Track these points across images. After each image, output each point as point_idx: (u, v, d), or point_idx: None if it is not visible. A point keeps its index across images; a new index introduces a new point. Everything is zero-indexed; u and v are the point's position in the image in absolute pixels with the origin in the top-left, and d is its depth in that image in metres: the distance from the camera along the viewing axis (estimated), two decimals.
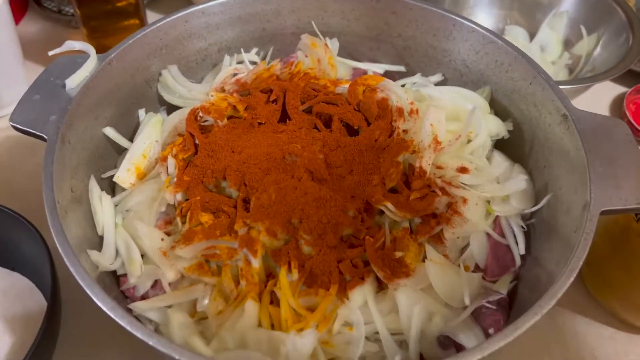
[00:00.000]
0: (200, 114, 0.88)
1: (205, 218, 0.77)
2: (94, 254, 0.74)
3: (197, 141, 0.85)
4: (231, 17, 1.02)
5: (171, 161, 0.83)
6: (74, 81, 0.83)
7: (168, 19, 0.95)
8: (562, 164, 0.81)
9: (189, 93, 0.98)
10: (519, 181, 0.83)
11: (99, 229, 0.81)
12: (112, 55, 0.88)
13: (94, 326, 0.88)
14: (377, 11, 1.04)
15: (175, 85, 0.98)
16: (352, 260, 0.74)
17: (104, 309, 0.60)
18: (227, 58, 1.04)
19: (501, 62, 0.94)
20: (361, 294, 0.72)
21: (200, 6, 0.98)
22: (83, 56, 0.87)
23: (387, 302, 0.73)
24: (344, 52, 1.08)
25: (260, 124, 0.88)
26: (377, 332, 0.72)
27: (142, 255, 0.79)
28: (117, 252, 0.80)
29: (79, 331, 0.89)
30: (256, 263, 0.73)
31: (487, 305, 0.77)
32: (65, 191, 0.75)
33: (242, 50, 1.04)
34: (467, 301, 0.75)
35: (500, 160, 0.90)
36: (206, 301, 0.72)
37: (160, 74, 0.98)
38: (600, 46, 1.27)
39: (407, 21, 1.03)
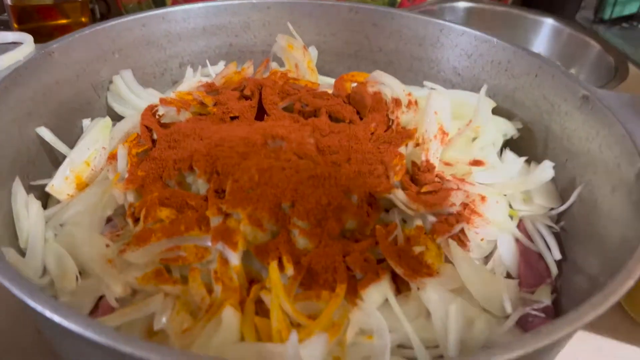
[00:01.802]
0: (160, 108, 0.73)
1: (166, 213, 0.59)
2: (10, 254, 0.54)
3: (155, 136, 0.69)
4: (195, 28, 0.91)
5: (122, 152, 0.66)
6: (2, 63, 0.67)
7: (123, 19, 0.83)
8: (590, 149, 0.70)
9: (145, 103, 0.83)
10: (545, 170, 0.70)
11: (22, 240, 0.61)
12: (54, 46, 0.74)
13: None
14: (355, 24, 0.95)
15: (129, 94, 0.83)
16: (362, 253, 0.57)
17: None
18: (189, 70, 0.91)
19: (498, 61, 0.85)
20: (379, 292, 0.54)
21: (160, 10, 0.87)
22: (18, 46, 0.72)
23: (412, 304, 0.55)
24: (320, 73, 0.98)
25: (233, 118, 0.73)
26: (399, 345, 0.53)
27: (81, 273, 0.59)
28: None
29: None
30: (236, 259, 0.54)
31: (534, 312, 0.60)
32: None
33: (207, 62, 0.92)
34: (508, 308, 0.59)
35: (514, 158, 0.77)
36: (164, 318, 0.52)
37: (110, 82, 0.84)
38: None
39: (389, 33, 0.94)
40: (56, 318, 0.38)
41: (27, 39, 0.73)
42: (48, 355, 0.62)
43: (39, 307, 0.39)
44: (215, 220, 0.56)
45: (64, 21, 1.09)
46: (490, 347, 0.54)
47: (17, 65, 0.68)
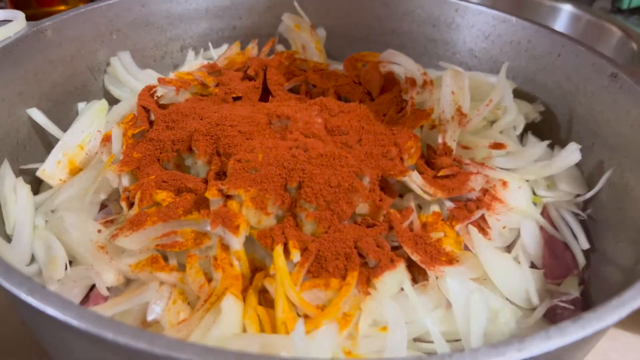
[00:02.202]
0: (159, 88, 0.69)
1: (163, 195, 0.55)
2: None
3: (152, 117, 0.65)
4: (197, 9, 0.87)
5: (116, 133, 0.62)
6: None
7: None
8: (620, 130, 0.65)
9: (143, 86, 0.78)
10: (571, 153, 0.65)
11: (9, 226, 0.57)
12: (47, 24, 0.70)
13: None
14: (365, 5, 0.91)
15: (127, 76, 0.78)
16: (375, 239, 0.52)
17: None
18: (191, 53, 0.87)
19: (518, 42, 0.80)
20: (394, 281, 0.49)
21: None
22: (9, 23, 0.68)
23: (431, 294, 0.50)
24: (329, 57, 0.93)
25: (236, 99, 0.68)
26: (416, 339, 0.48)
27: (72, 262, 0.55)
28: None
29: None
30: (237, 244, 0.50)
31: (563, 304, 0.55)
32: None
33: (210, 45, 0.87)
34: (534, 300, 0.54)
35: (535, 142, 0.72)
36: (159, 307, 0.48)
37: (108, 64, 0.79)
38: None
39: (402, 14, 0.90)
40: (31, 300, 0.33)
41: (19, 16, 0.69)
42: (34, 347, 0.58)
43: (14, 289, 0.34)
44: (215, 203, 0.52)
45: (62, 7, 1.05)
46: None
47: (7, 42, 0.64)
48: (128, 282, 0.53)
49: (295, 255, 0.49)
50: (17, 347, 0.58)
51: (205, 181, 0.56)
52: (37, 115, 0.67)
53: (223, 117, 0.58)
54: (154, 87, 0.70)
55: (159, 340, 0.32)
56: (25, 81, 0.67)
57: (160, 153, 0.60)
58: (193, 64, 0.84)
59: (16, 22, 0.67)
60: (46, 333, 0.42)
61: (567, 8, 1.23)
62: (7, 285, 0.35)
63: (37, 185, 0.66)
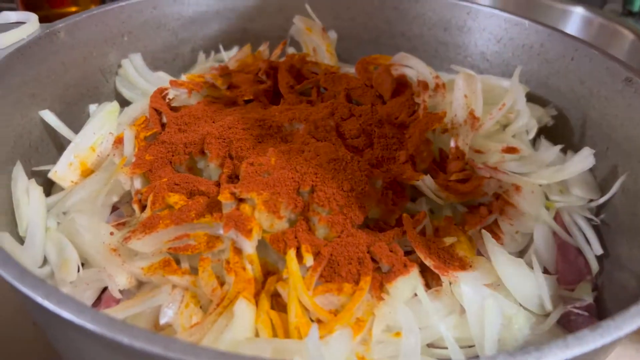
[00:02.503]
0: (170, 90, 0.69)
1: (175, 198, 0.55)
2: (5, 240, 0.50)
3: (164, 119, 0.65)
4: (207, 11, 0.87)
5: (128, 135, 0.62)
6: (4, 41, 0.64)
7: (133, 1, 0.79)
8: (634, 135, 0.64)
9: (155, 88, 0.78)
10: (585, 157, 0.65)
11: (22, 227, 0.57)
12: (60, 26, 0.70)
13: None
14: (375, 7, 0.91)
15: (138, 78, 0.79)
16: (388, 244, 0.52)
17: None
18: (201, 55, 0.87)
19: (530, 45, 0.80)
20: (407, 286, 0.49)
21: None
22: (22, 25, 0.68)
23: (444, 299, 0.50)
24: (339, 60, 0.93)
25: (247, 101, 0.68)
26: (429, 345, 0.48)
27: (84, 264, 0.55)
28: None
29: None
30: (250, 248, 0.50)
31: (576, 311, 0.55)
32: None
33: (221, 47, 0.87)
34: (548, 306, 0.54)
35: (548, 147, 0.72)
36: (172, 311, 0.48)
37: (119, 66, 0.80)
38: None
39: (412, 17, 0.89)
40: (47, 304, 0.33)
41: (32, 18, 0.69)
42: (46, 349, 0.58)
43: (29, 292, 0.34)
44: (227, 206, 0.52)
45: (73, 9, 1.06)
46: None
47: (21, 44, 0.64)
48: (140, 284, 0.53)
49: (308, 260, 0.49)
50: (29, 349, 0.58)
51: (218, 184, 0.56)
52: (50, 117, 0.67)
53: (235, 120, 0.58)
54: (166, 89, 0.70)
55: (173, 344, 0.32)
56: (38, 83, 0.67)
57: (173, 156, 0.60)
58: (204, 66, 0.84)
59: (29, 24, 0.67)
60: (59, 336, 0.42)
61: (579, 11, 1.23)
62: (23, 289, 0.35)
63: (49, 187, 0.66)
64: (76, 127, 0.71)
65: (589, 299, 0.58)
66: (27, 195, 0.59)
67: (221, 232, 0.51)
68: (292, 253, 0.49)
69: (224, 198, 0.51)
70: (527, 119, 0.70)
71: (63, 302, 0.34)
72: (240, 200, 0.52)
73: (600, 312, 0.60)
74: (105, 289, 0.53)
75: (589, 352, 0.34)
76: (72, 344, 0.41)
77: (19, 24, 0.69)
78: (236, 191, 0.52)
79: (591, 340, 0.34)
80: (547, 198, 0.66)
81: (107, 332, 0.32)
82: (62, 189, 0.65)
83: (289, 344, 0.44)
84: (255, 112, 0.62)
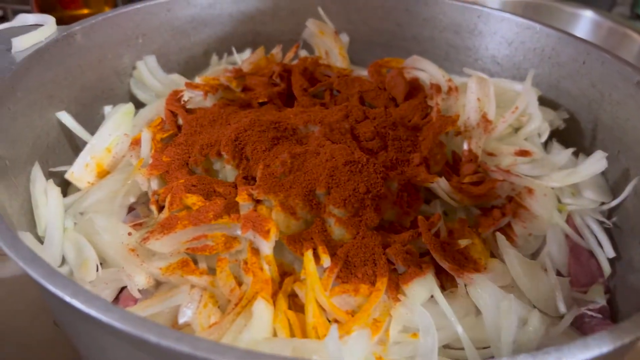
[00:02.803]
0: (185, 93, 0.69)
1: (193, 199, 0.55)
2: (28, 239, 0.50)
3: (180, 121, 0.66)
4: (221, 14, 0.88)
5: (145, 137, 0.63)
6: (23, 43, 0.64)
7: (148, 3, 0.80)
8: None
9: (169, 90, 0.79)
10: (598, 160, 0.65)
11: (40, 228, 0.58)
12: (77, 29, 0.71)
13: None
14: (386, 10, 0.91)
15: (152, 80, 0.79)
16: (403, 245, 0.52)
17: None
18: (214, 57, 0.88)
19: (542, 49, 0.80)
20: (424, 288, 0.49)
21: None
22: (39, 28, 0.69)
23: (460, 301, 0.50)
24: (350, 63, 0.93)
25: (261, 104, 0.69)
26: (445, 346, 0.48)
27: (101, 263, 0.55)
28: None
29: None
30: (268, 248, 0.50)
31: (590, 313, 0.55)
32: None
33: (233, 49, 0.88)
34: (562, 308, 0.54)
35: (560, 150, 0.72)
36: (190, 310, 0.48)
37: (134, 68, 0.80)
38: None
39: (423, 20, 0.90)
40: (75, 302, 0.34)
41: (49, 20, 0.70)
42: (66, 350, 0.59)
43: (58, 292, 0.35)
44: (245, 207, 0.52)
45: (86, 11, 1.07)
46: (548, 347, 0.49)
47: (39, 47, 0.65)
48: (158, 284, 0.53)
49: (326, 261, 0.49)
50: (48, 349, 0.59)
51: (234, 186, 0.57)
52: (67, 118, 0.68)
53: (251, 122, 0.59)
54: (181, 91, 0.70)
55: (200, 343, 0.33)
56: (55, 85, 0.68)
57: (189, 157, 0.60)
58: (217, 68, 0.84)
59: (47, 26, 0.68)
60: (84, 335, 0.42)
61: (588, 14, 1.23)
62: (52, 288, 0.35)
63: (65, 188, 0.67)
64: (91, 129, 0.72)
65: (602, 302, 0.58)
66: (46, 196, 0.60)
67: (239, 233, 0.52)
68: (309, 254, 0.49)
69: (242, 199, 0.52)
70: (539, 122, 0.71)
71: (91, 300, 0.34)
72: (258, 202, 0.53)
73: (613, 314, 0.60)
74: (122, 288, 0.54)
75: (607, 354, 0.35)
76: (96, 343, 0.41)
77: (36, 26, 0.69)
78: (254, 192, 0.52)
79: (610, 341, 0.35)
80: (559, 201, 0.67)
81: (135, 330, 0.33)
82: (77, 189, 0.66)
83: (308, 343, 0.44)
84: (270, 115, 0.63)
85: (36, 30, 0.66)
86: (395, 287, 0.50)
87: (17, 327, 0.64)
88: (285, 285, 0.50)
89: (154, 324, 0.33)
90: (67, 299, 0.35)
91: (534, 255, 0.62)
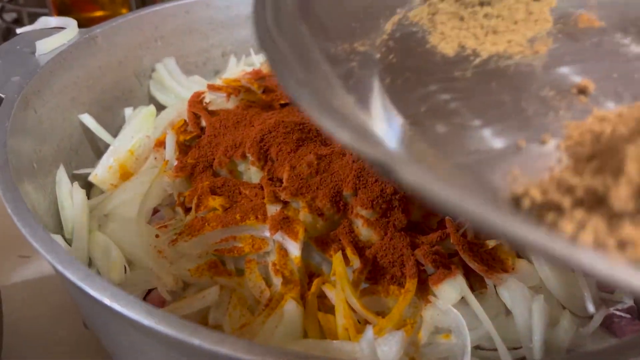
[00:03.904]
0: (207, 95, 0.69)
1: (220, 201, 0.55)
2: (60, 241, 0.51)
3: (203, 123, 0.66)
4: (238, 15, 0.88)
5: (170, 138, 0.63)
6: (47, 46, 0.65)
7: (166, 5, 0.80)
8: None
9: (188, 92, 0.79)
10: None
11: (67, 230, 0.58)
12: (98, 31, 0.72)
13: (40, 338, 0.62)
14: None
15: (172, 82, 0.79)
16: (432, 246, 0.52)
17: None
18: (232, 59, 0.88)
19: None
20: (454, 289, 0.49)
21: None
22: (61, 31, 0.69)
23: (490, 302, 0.50)
24: None
25: (283, 105, 0.69)
26: (476, 347, 0.48)
27: (128, 265, 0.56)
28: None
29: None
30: (297, 250, 0.50)
31: (619, 313, 0.55)
32: (24, 160, 0.53)
33: (251, 51, 0.88)
34: (590, 308, 0.54)
35: None
36: (220, 312, 0.49)
37: (153, 70, 0.81)
38: None
39: None
40: (115, 306, 0.34)
41: (71, 23, 0.70)
42: (95, 352, 0.59)
43: (96, 294, 0.35)
44: (272, 209, 0.52)
45: (102, 13, 1.07)
46: (578, 348, 0.49)
47: (62, 49, 0.66)
48: (186, 286, 0.54)
49: (355, 262, 0.49)
50: (75, 351, 0.59)
51: (260, 187, 0.57)
52: (89, 120, 0.69)
53: (276, 123, 0.59)
54: (202, 93, 0.70)
55: (241, 345, 0.33)
56: (77, 87, 0.68)
57: (213, 159, 0.60)
58: (235, 70, 0.84)
59: (69, 29, 0.68)
60: (120, 337, 0.43)
61: None
62: (91, 291, 0.35)
63: (87, 190, 0.67)
64: (111, 130, 0.73)
65: (629, 301, 0.58)
66: (71, 198, 0.60)
67: (267, 234, 0.52)
68: (339, 256, 0.49)
69: (269, 201, 0.52)
70: None
71: (131, 304, 0.35)
72: (285, 203, 0.53)
73: None
74: (149, 291, 0.54)
75: None
76: (134, 346, 0.41)
77: (58, 29, 0.70)
78: (281, 194, 0.52)
79: None
80: None
81: (177, 334, 0.33)
82: (100, 191, 0.66)
83: (340, 344, 0.44)
84: (294, 116, 0.63)
85: (59, 33, 0.66)
86: (425, 289, 0.50)
87: (42, 329, 0.64)
88: (314, 287, 0.50)
89: (198, 326, 0.33)
90: (107, 302, 0.35)
91: None
